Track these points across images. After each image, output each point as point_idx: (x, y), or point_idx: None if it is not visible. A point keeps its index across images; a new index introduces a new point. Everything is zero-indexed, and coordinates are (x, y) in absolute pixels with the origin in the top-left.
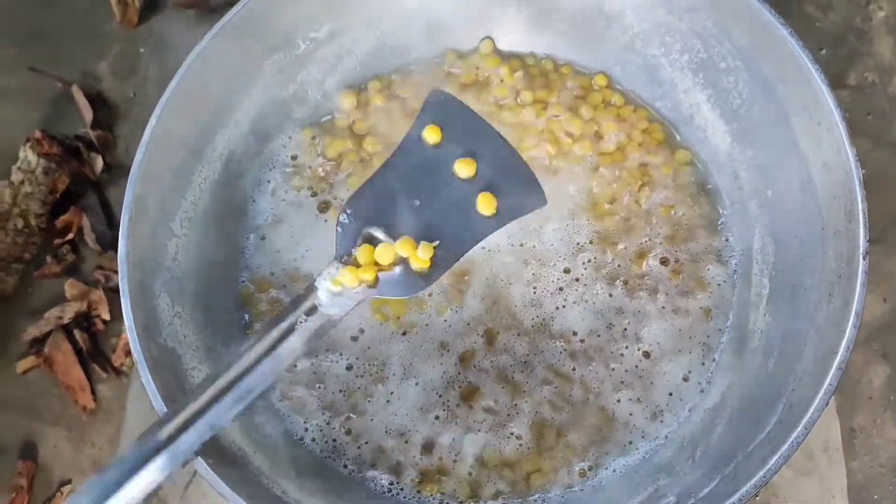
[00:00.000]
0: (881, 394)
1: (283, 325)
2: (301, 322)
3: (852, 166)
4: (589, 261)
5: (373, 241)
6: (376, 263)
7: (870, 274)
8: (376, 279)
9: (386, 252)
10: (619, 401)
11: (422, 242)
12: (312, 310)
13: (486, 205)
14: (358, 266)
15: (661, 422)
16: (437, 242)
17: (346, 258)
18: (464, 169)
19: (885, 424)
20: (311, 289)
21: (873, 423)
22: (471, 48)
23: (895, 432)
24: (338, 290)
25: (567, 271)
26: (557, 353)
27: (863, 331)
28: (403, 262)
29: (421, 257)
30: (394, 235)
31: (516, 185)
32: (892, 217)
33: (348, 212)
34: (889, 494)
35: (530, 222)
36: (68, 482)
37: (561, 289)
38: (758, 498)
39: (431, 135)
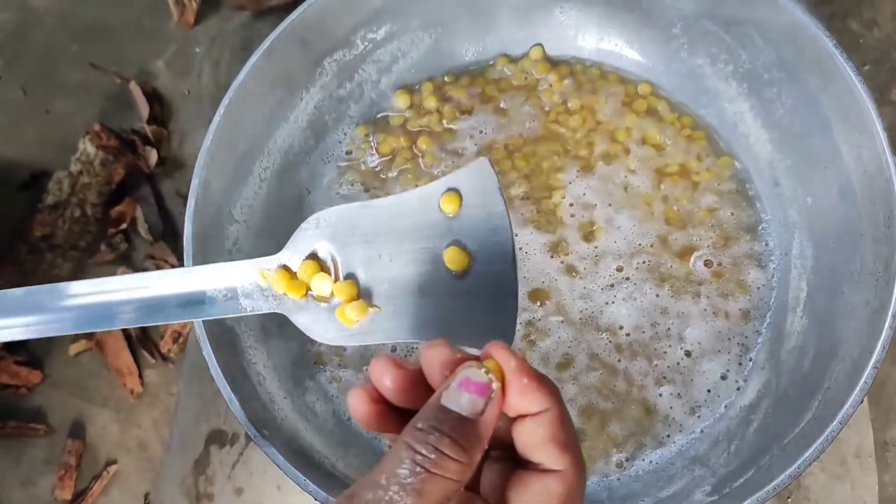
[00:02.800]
0: None
1: (194, 281)
2: (212, 293)
3: (892, 174)
4: (644, 262)
5: (320, 262)
6: (309, 286)
7: None
8: (301, 298)
9: (322, 283)
10: (660, 395)
11: (359, 300)
12: (231, 291)
13: (457, 262)
14: (293, 276)
15: (699, 417)
16: (376, 309)
17: (287, 261)
18: (454, 260)
19: None
20: (242, 268)
21: None
22: (521, 53)
23: None
24: (263, 285)
25: (620, 269)
26: (603, 345)
27: None
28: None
29: (348, 314)
30: (343, 270)
31: (492, 316)
32: None
33: (319, 220)
34: None
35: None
36: (114, 462)
37: (612, 286)
38: (790, 500)
39: (449, 203)
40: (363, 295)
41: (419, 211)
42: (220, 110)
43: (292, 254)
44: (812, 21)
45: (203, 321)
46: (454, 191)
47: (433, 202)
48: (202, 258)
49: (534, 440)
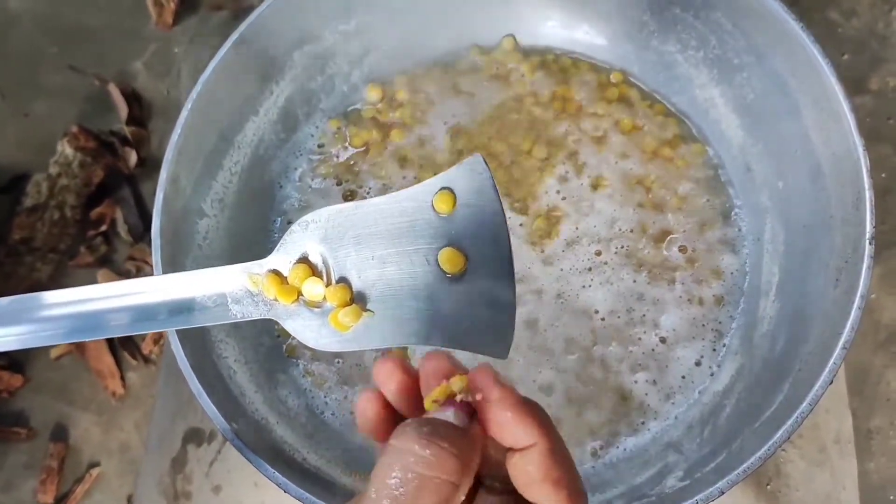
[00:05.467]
0: None
1: (182, 290)
2: (202, 299)
3: (860, 155)
4: (622, 247)
5: (311, 266)
6: (300, 291)
7: (890, 277)
8: (293, 303)
9: (314, 287)
10: (636, 381)
11: (353, 305)
12: (221, 297)
13: (452, 263)
14: (284, 281)
15: (673, 403)
16: (370, 314)
17: (277, 265)
18: (449, 262)
19: None
20: (231, 273)
21: (890, 425)
22: (493, 44)
23: None
24: (254, 290)
25: (598, 254)
26: (580, 329)
27: (881, 333)
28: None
29: (341, 319)
30: (336, 274)
31: (490, 320)
32: None
33: (308, 222)
34: None
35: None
36: (97, 464)
37: (590, 269)
38: (769, 487)
39: (443, 202)
40: (356, 299)
41: (412, 211)
42: (188, 105)
43: (282, 257)
44: (780, 5)
45: None
46: (448, 190)
47: (426, 202)
48: (171, 252)
49: (524, 479)
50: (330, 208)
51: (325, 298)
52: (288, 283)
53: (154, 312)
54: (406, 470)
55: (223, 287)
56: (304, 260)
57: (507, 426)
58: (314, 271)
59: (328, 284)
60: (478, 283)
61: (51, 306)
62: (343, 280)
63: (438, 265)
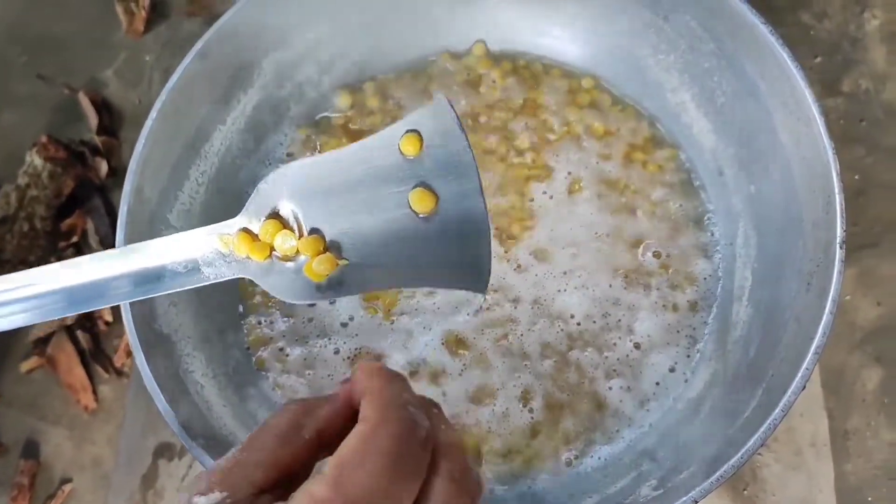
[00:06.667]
0: (875, 397)
1: (152, 256)
2: (172, 266)
3: (830, 159)
4: (598, 250)
5: (282, 221)
6: (272, 246)
7: (864, 278)
8: (266, 259)
9: (286, 240)
10: (610, 388)
11: (326, 253)
12: (192, 262)
13: (423, 203)
14: (255, 238)
15: (648, 410)
16: (344, 262)
17: (246, 224)
18: (420, 202)
19: (879, 427)
20: (200, 236)
21: (867, 426)
22: (464, 49)
23: (889, 435)
24: (225, 251)
25: (574, 256)
26: (555, 333)
27: (857, 334)
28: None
29: (315, 268)
30: (307, 226)
31: (466, 255)
32: (887, 222)
33: (276, 178)
34: (883, 496)
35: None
36: (69, 480)
37: (565, 273)
38: (745, 492)
39: (409, 145)
40: (330, 248)
41: (379, 157)
42: (153, 114)
43: (251, 216)
44: (749, 8)
45: (135, 327)
46: (414, 132)
47: (393, 146)
48: None
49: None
50: (296, 162)
51: (297, 252)
52: (259, 241)
53: (123, 283)
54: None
55: (193, 252)
56: (274, 216)
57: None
58: (285, 226)
59: (300, 237)
60: (450, 221)
61: (26, 283)
62: (315, 231)
63: (410, 207)
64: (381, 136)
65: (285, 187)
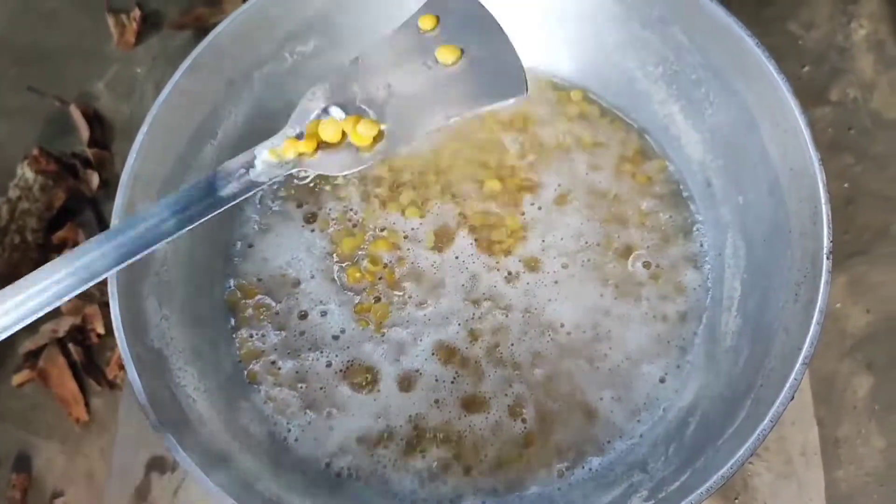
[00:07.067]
0: (865, 404)
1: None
2: (237, 178)
3: (816, 170)
4: (588, 260)
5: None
6: (320, 139)
7: (854, 285)
8: (315, 152)
9: (330, 127)
10: (601, 399)
11: (364, 119)
12: (244, 174)
13: (448, 55)
14: (301, 138)
15: (639, 421)
16: (386, 124)
17: (292, 132)
18: (445, 55)
19: (870, 434)
20: (249, 155)
21: (858, 433)
22: None
23: (879, 442)
24: (274, 161)
25: (565, 266)
26: (546, 342)
27: (847, 341)
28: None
29: (361, 133)
30: (349, 113)
31: (497, 67)
32: (876, 230)
33: (315, 91)
34: (874, 503)
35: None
36: (61, 494)
37: (556, 282)
38: (737, 501)
39: (426, 22)
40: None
41: (403, 40)
42: (144, 128)
43: (297, 125)
44: (734, 21)
45: (126, 342)
46: (429, 14)
47: (413, 26)
48: (126, 281)
49: None
50: (334, 74)
51: (343, 136)
52: (304, 139)
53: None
54: None
55: (246, 164)
56: (317, 117)
57: None
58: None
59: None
60: (477, 55)
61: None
62: (354, 113)
63: (438, 63)
64: (401, 26)
65: (324, 94)
